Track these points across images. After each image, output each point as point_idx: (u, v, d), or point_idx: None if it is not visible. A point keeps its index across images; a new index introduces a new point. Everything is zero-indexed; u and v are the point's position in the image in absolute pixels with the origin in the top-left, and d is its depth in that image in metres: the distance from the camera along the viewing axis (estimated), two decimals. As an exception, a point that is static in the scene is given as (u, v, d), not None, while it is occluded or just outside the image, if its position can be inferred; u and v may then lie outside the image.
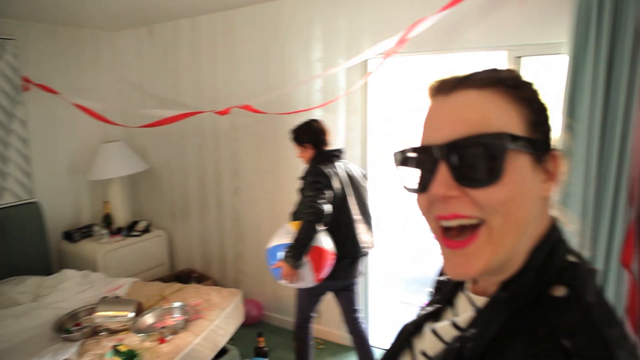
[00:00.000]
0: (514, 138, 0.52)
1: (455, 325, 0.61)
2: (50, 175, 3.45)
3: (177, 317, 2.36)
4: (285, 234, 2.32)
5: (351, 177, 2.50)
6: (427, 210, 0.56)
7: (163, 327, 2.27)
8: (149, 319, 2.35)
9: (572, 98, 2.02)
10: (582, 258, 0.58)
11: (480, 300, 0.59)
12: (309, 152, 2.48)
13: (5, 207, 3.13)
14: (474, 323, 0.56)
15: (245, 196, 3.42)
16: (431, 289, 0.77)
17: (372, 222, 2.56)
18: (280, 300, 3.42)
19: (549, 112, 0.58)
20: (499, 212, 0.52)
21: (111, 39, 3.78)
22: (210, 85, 3.40)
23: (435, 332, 0.64)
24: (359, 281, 2.59)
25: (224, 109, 2.80)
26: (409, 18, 2.35)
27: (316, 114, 2.96)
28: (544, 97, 0.58)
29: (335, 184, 2.37)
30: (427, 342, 0.65)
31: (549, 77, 2.34)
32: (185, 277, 3.64)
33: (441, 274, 0.75)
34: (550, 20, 2.13)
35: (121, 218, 3.72)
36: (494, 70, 0.58)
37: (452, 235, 0.54)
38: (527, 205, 0.54)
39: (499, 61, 2.40)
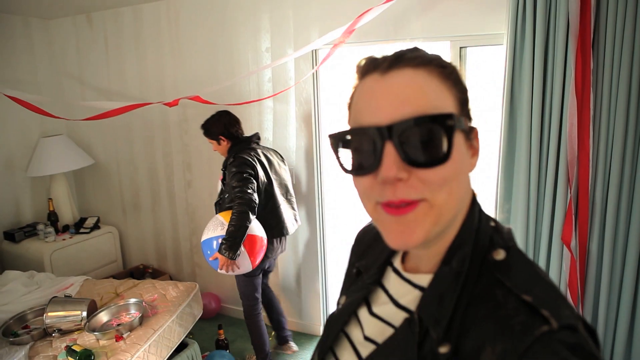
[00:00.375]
0: (456, 117, 0.53)
1: (400, 307, 0.62)
2: (-15, 173, 3.26)
3: (133, 314, 2.32)
4: (217, 226, 2.37)
5: (270, 161, 2.61)
6: (370, 192, 0.55)
7: (119, 325, 2.23)
8: (103, 317, 2.29)
9: (512, 87, 2.14)
10: (496, 221, 0.61)
11: (421, 279, 0.61)
12: (225, 144, 2.57)
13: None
14: (426, 301, 0.57)
15: (198, 188, 3.37)
16: (347, 276, 0.78)
17: (294, 202, 2.74)
18: (237, 292, 3.41)
19: (467, 93, 0.59)
20: (443, 190, 0.53)
21: (46, 27, 3.57)
22: (156, 76, 3.31)
23: (379, 317, 0.64)
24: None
25: (172, 100, 2.74)
26: (355, 8, 2.40)
27: (267, 105, 2.97)
28: (463, 80, 0.59)
29: (260, 171, 2.47)
30: (371, 328, 0.64)
31: (491, 67, 2.47)
32: (140, 273, 3.57)
33: (360, 259, 0.75)
34: (490, 11, 2.23)
35: (67, 215, 3.57)
36: (419, 50, 0.58)
37: (396, 206, 0.54)
38: (464, 180, 0.57)
39: (443, 51, 2.50)
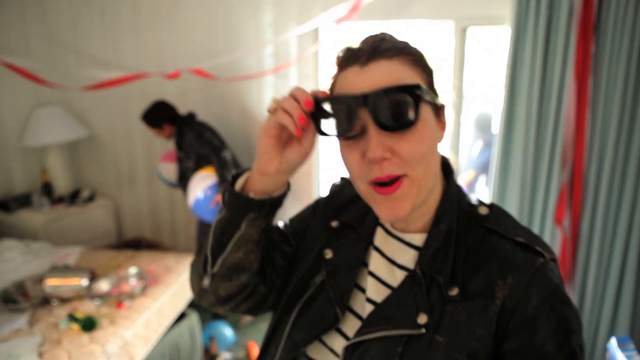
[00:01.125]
0: (423, 89, 0.61)
1: (398, 266, 0.69)
2: (-22, 141, 3.21)
3: (133, 283, 2.34)
4: (201, 180, 2.56)
5: (213, 130, 2.85)
6: (360, 173, 0.64)
7: (119, 294, 2.26)
8: (104, 286, 2.31)
9: (514, 67, 2.18)
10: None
11: (413, 237, 0.69)
12: (168, 130, 2.86)
13: None
14: (425, 258, 0.65)
15: (195, 162, 3.37)
16: (325, 228, 0.80)
17: None
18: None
19: (434, 76, 0.68)
20: (420, 165, 0.62)
21: (40, -6, 3.49)
22: (154, 49, 3.27)
23: (376, 276, 0.70)
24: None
25: (172, 72, 2.73)
26: (361, -15, 2.39)
27: (267, 80, 2.96)
28: (431, 65, 0.68)
29: (215, 141, 2.76)
30: (370, 288, 0.70)
31: (494, 47, 2.50)
32: (135, 246, 3.58)
33: (340, 213, 0.80)
34: (494, -8, 2.26)
35: (62, 187, 3.55)
36: (391, 39, 0.66)
37: (383, 185, 0.63)
38: (436, 153, 0.66)
39: (446, 31, 2.52)
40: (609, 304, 2.18)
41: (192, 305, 2.54)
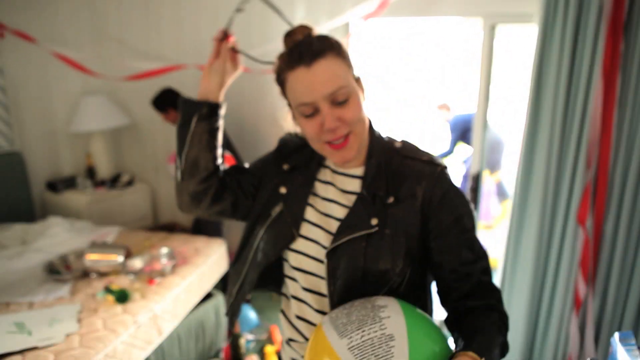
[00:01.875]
0: (351, 82, 0.91)
1: (346, 192, 0.99)
2: (30, 125, 3.45)
3: (165, 262, 2.50)
4: None
5: None
6: (318, 137, 0.91)
7: (152, 271, 2.41)
8: (137, 263, 2.47)
9: (540, 65, 2.18)
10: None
11: (355, 171, 0.99)
12: (173, 115, 3.13)
13: (-13, 156, 3.15)
14: (367, 182, 0.95)
15: (228, 152, 3.51)
16: (276, 169, 1.09)
17: None
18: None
19: (351, 60, 0.93)
20: (358, 124, 0.91)
21: (90, -12, 3.71)
22: (193, 41, 3.42)
23: (331, 200, 1.00)
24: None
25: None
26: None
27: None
28: (349, 53, 0.93)
29: None
30: (325, 207, 1.00)
31: (521, 44, 2.49)
32: (169, 230, 3.76)
33: (288, 159, 1.08)
34: (524, -10, 2.25)
35: (104, 171, 3.78)
36: (324, 39, 0.91)
37: (336, 143, 0.91)
38: (365, 115, 0.94)
39: (474, 28, 2.53)
40: (632, 306, 2.15)
41: (218, 286, 2.67)
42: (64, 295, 2.21)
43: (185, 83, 3.53)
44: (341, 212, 0.98)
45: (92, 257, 2.40)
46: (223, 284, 2.88)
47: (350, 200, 0.98)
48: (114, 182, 3.73)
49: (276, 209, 1.03)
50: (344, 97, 0.88)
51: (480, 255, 0.94)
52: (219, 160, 1.08)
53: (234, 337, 2.65)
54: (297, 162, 1.06)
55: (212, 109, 1.04)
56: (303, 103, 0.90)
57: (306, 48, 0.89)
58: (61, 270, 2.45)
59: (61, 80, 3.59)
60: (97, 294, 2.21)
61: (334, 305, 0.94)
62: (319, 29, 2.80)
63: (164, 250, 2.56)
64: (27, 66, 3.37)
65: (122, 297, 2.14)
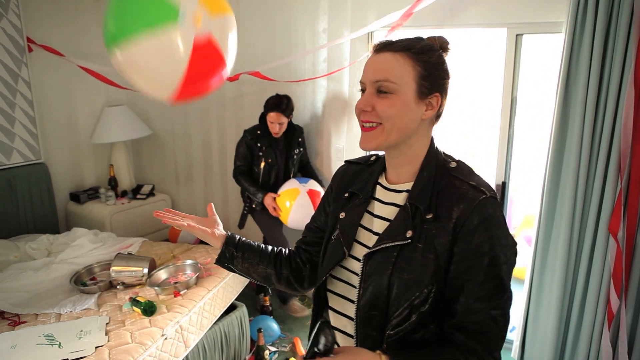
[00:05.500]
0: (399, 82, 0.92)
1: (395, 205, 1.00)
2: (55, 137, 3.51)
3: (189, 274, 2.50)
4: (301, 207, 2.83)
5: None
6: (358, 112, 0.97)
7: (176, 283, 2.42)
8: (162, 274, 2.48)
9: (568, 75, 2.15)
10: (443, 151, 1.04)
11: (403, 186, 1.01)
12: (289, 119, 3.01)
13: (13, 167, 3.20)
14: (412, 195, 0.96)
15: (248, 162, 3.52)
16: (336, 200, 1.14)
17: None
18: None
19: (441, 71, 0.96)
20: (389, 121, 0.93)
21: (114, 3, 3.77)
22: (215, 53, 3.45)
23: (380, 217, 1.02)
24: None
25: (233, 75, 2.88)
26: (413, -8, 2.44)
27: (321, 84, 3.06)
28: (439, 62, 0.95)
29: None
30: (376, 226, 1.02)
31: (547, 54, 2.47)
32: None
33: (349, 187, 1.12)
34: (550, -1, 2.23)
35: (126, 181, 3.81)
36: (413, 40, 0.95)
37: (365, 126, 0.96)
38: (405, 120, 0.94)
39: (500, 37, 2.52)
40: (666, 321, 2.10)
41: (240, 297, 2.66)
42: (91, 306, 2.23)
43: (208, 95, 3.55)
44: (384, 226, 1.00)
45: (117, 268, 2.42)
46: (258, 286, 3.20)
47: (394, 213, 1.00)
48: (135, 192, 3.76)
49: (335, 233, 1.08)
50: (386, 89, 0.93)
51: (497, 296, 0.89)
52: (276, 266, 1.20)
53: (258, 349, 2.63)
54: (355, 188, 1.10)
55: (225, 255, 1.18)
56: (360, 80, 0.99)
57: (384, 43, 0.96)
58: (87, 282, 2.47)
59: (85, 93, 3.65)
60: (123, 306, 2.22)
61: (359, 309, 0.98)
62: (341, 40, 2.79)
63: (188, 261, 2.57)
64: (53, 79, 3.43)
65: (149, 308, 2.14)
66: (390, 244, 0.94)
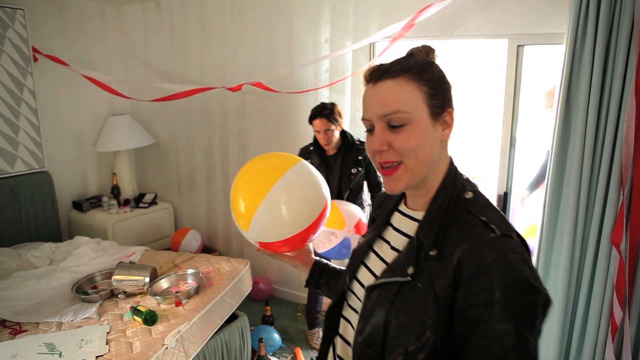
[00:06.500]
0: (411, 110, 0.83)
1: (403, 234, 0.94)
2: (58, 145, 3.53)
3: (190, 283, 2.50)
4: (329, 237, 2.40)
5: None
6: (373, 155, 0.89)
7: (178, 292, 2.41)
8: (163, 284, 2.48)
9: (569, 86, 2.16)
10: (467, 177, 0.93)
11: (418, 214, 0.93)
12: (339, 129, 2.69)
13: (17, 175, 3.22)
14: (421, 226, 0.88)
15: (250, 172, 3.53)
16: (368, 225, 1.13)
17: None
18: (284, 274, 3.58)
19: (445, 84, 0.88)
20: (410, 156, 0.84)
21: (118, 13, 3.82)
22: (218, 63, 3.48)
23: (390, 244, 0.96)
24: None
25: (235, 85, 2.90)
26: (414, 3, 2.46)
27: (323, 94, 3.08)
28: (441, 74, 0.88)
29: None
30: (385, 253, 0.96)
31: (548, 65, 2.48)
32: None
33: (376, 211, 1.09)
34: (551, 10, 2.24)
35: (128, 190, 3.83)
36: (407, 60, 0.87)
37: (385, 168, 0.87)
38: (428, 148, 0.86)
39: (500, 48, 2.53)
40: (669, 333, 2.08)
41: (242, 307, 2.66)
42: (92, 315, 2.22)
43: (209, 104, 3.58)
44: (391, 255, 0.94)
45: (118, 277, 2.42)
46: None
47: (403, 244, 0.92)
48: (138, 201, 3.77)
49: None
50: (398, 122, 0.84)
51: (508, 353, 0.71)
52: None
53: (259, 359, 2.62)
54: (379, 212, 1.07)
55: (310, 280, 1.23)
56: (363, 117, 0.91)
57: (382, 67, 0.87)
58: (88, 291, 2.47)
59: (89, 102, 3.68)
60: (124, 315, 2.22)
61: (356, 346, 0.90)
62: (343, 51, 2.81)
63: (190, 271, 2.57)
64: (58, 88, 3.47)
65: (150, 318, 2.14)
66: (391, 280, 0.86)
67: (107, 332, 2.06)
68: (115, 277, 2.42)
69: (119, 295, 2.41)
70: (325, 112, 2.60)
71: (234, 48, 3.37)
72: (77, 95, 3.59)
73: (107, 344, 1.97)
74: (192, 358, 2.18)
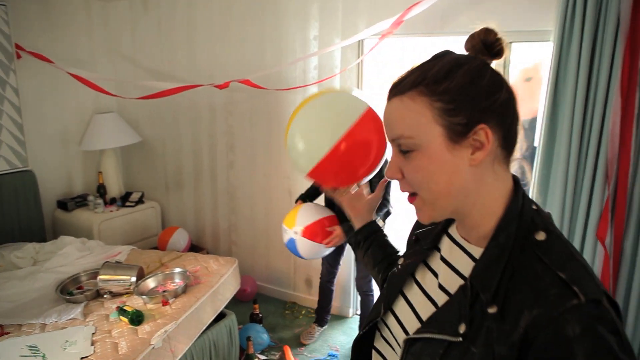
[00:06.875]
0: (416, 135, 0.69)
1: (454, 270, 0.75)
2: (43, 144, 3.47)
3: (178, 282, 2.47)
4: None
5: None
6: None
7: (165, 291, 2.38)
8: (150, 283, 2.45)
9: (556, 83, 2.17)
10: (538, 205, 0.73)
11: (472, 248, 0.74)
12: None
13: (-1, 175, 3.16)
14: (477, 271, 0.69)
15: (239, 169, 3.51)
16: (408, 243, 0.95)
17: None
18: (272, 272, 3.56)
19: (476, 91, 0.67)
20: (423, 188, 0.71)
21: (104, 10, 3.76)
22: (205, 61, 3.45)
23: (436, 275, 0.79)
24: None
25: (223, 82, 2.87)
26: (402, 0, 2.45)
27: (312, 91, 3.06)
28: (467, 80, 0.67)
29: None
30: (429, 285, 0.79)
31: (536, 62, 2.49)
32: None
33: (419, 228, 0.93)
34: (539, 8, 2.25)
35: (114, 189, 3.78)
36: (425, 67, 0.70)
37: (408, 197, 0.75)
38: (443, 180, 0.69)
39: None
40: (654, 326, 2.11)
41: (230, 306, 2.64)
42: (77, 316, 2.19)
43: (197, 101, 3.55)
44: (443, 298, 0.75)
45: (104, 277, 2.38)
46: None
47: (454, 284, 0.73)
48: (124, 200, 3.72)
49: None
50: (406, 148, 0.70)
51: None
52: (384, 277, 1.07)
53: (247, 357, 2.60)
54: (420, 233, 0.89)
55: (352, 240, 1.17)
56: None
57: (398, 79, 0.73)
58: (73, 291, 2.43)
59: (74, 100, 3.62)
60: (110, 315, 2.18)
61: None
62: (332, 48, 2.80)
63: (177, 270, 2.54)
64: (41, 86, 3.40)
65: (137, 318, 2.11)
66: (438, 337, 0.69)
67: (93, 333, 2.03)
68: (100, 277, 2.38)
69: (105, 296, 2.38)
70: None
71: (222, 45, 3.34)
72: (62, 92, 3.52)
73: (92, 344, 1.94)
74: (179, 358, 2.15)
